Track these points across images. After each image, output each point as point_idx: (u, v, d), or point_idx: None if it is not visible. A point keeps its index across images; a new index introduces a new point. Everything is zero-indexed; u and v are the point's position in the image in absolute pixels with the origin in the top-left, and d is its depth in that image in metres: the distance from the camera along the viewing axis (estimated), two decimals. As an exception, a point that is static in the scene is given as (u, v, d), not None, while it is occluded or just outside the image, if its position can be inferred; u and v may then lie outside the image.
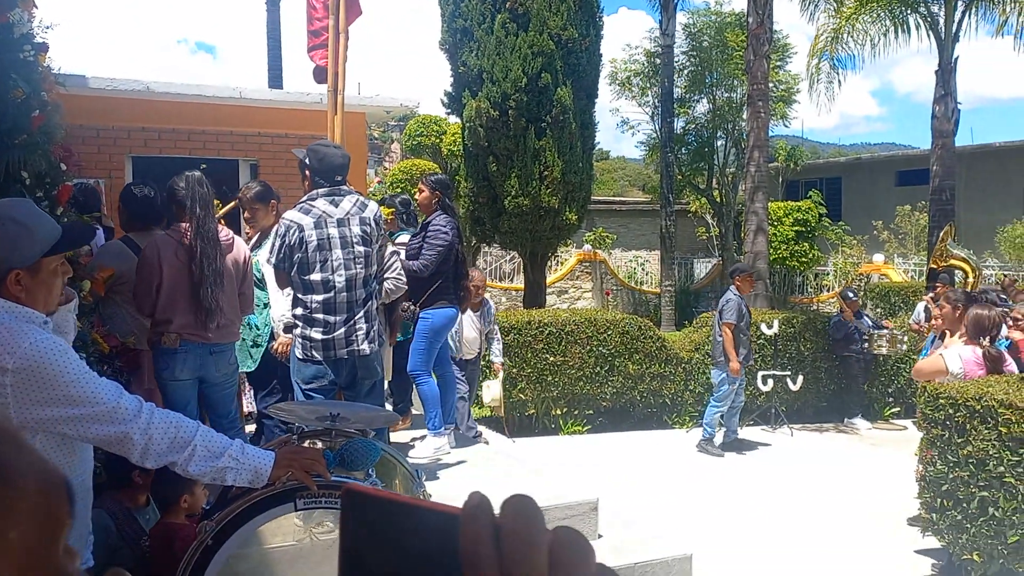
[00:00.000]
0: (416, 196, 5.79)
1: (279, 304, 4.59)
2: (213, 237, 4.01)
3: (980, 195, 21.98)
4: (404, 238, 5.93)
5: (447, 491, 4.79)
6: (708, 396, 9.13)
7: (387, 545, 0.52)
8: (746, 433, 8.94)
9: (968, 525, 4.73)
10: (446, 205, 5.44)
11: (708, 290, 21.39)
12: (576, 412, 9.07)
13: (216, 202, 5.83)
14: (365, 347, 3.97)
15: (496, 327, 7.02)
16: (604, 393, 9.05)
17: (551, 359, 8.83)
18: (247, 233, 5.06)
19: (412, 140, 19.17)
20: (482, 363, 7.12)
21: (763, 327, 9.41)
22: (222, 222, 4.63)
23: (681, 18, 20.59)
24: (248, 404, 5.55)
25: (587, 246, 21.53)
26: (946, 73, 11.45)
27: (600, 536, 4.73)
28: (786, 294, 20.22)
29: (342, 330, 3.91)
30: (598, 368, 8.99)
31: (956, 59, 11.51)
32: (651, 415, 9.37)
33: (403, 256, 5.49)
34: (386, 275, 4.56)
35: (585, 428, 9.02)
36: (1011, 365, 5.49)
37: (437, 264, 5.29)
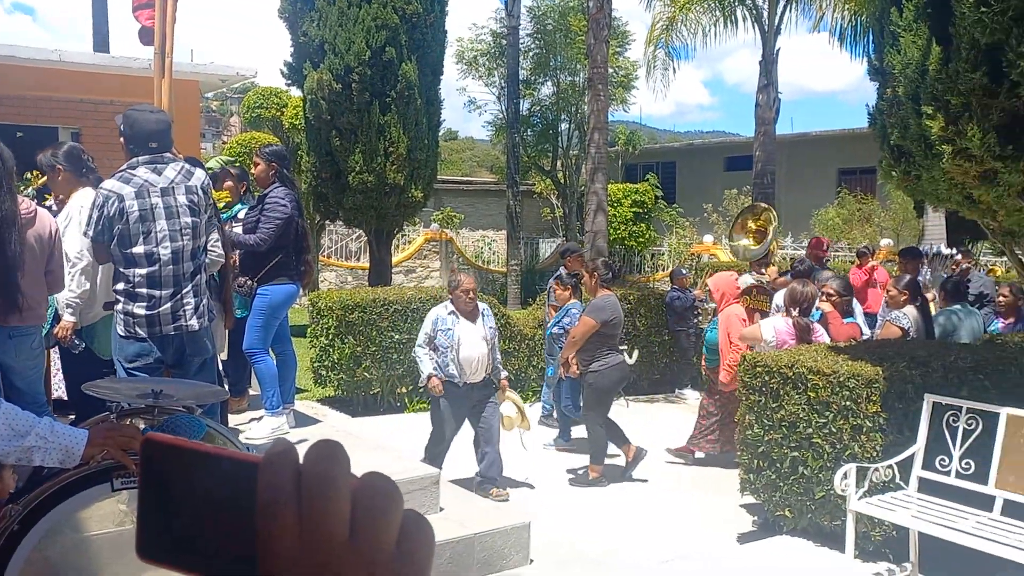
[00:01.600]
0: (252, 170, 5.59)
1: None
2: (9, 214, 3.66)
3: (798, 180, 23.64)
4: (244, 212, 5.72)
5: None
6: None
7: (185, 496, 0.50)
8: (585, 406, 9.24)
9: (781, 483, 5.12)
10: (284, 177, 5.28)
11: (553, 269, 21.84)
12: (422, 390, 9.05)
13: (34, 172, 5.40)
14: (194, 322, 3.80)
15: (496, 332, 6.06)
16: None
17: (397, 337, 8.78)
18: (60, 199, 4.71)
19: (251, 112, 18.44)
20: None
21: (602, 303, 9.78)
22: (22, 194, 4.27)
23: (526, 0, 20.84)
24: (56, 388, 5.16)
25: (435, 225, 21.51)
26: (769, 64, 12.21)
27: (442, 509, 4.78)
28: (625, 273, 21.03)
29: (168, 305, 3.72)
30: (443, 345, 9.02)
31: (778, 51, 12.30)
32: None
33: (239, 230, 5.31)
34: None
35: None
36: (821, 335, 5.97)
37: (276, 238, 5.14)
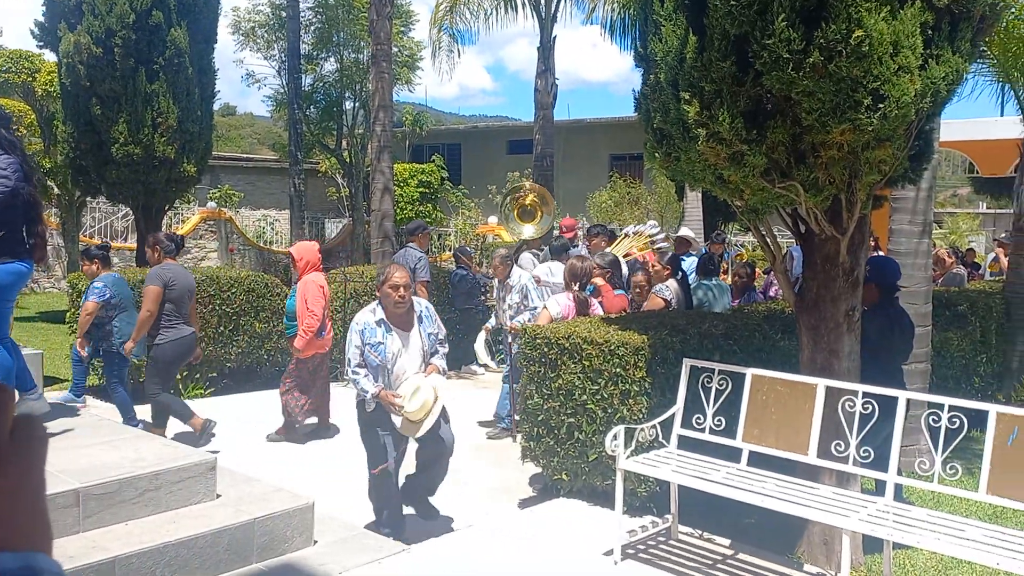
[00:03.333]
0: None
1: None
2: None
3: (574, 164, 24.78)
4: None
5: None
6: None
7: None
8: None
9: (559, 449, 5.37)
10: (3, 141, 4.72)
11: (339, 249, 21.53)
12: (198, 375, 8.63)
13: None
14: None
15: (436, 339, 4.90)
16: (229, 354, 8.72)
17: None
18: None
19: (-2, 77, 16.53)
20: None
21: (388, 282, 9.79)
22: None
23: (307, -28, 20.19)
24: None
25: (212, 203, 20.45)
26: (546, 50, 12.66)
27: (219, 495, 4.58)
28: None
29: None
30: (222, 328, 8.63)
31: (555, 38, 12.78)
32: (280, 374, 9.24)
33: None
34: None
35: (208, 391, 8.64)
36: (596, 308, 6.31)
37: None
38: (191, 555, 4.06)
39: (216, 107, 11.90)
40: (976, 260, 15.86)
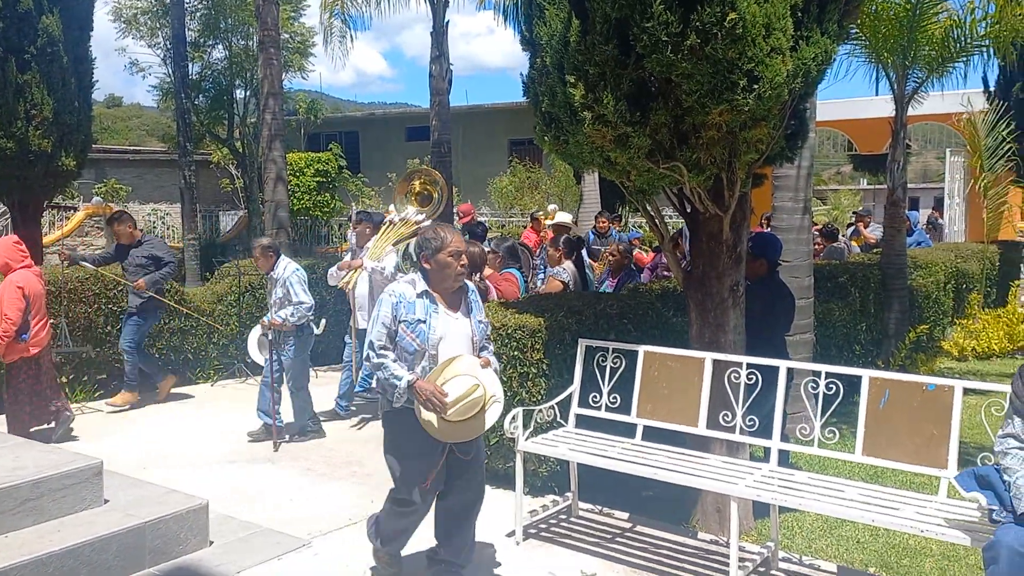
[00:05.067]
0: None
1: None
2: None
3: (474, 150, 24.79)
4: None
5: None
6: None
7: None
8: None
9: (460, 434, 5.38)
10: None
11: (236, 242, 20.93)
12: (85, 378, 8.27)
13: None
14: None
15: (487, 327, 4.03)
16: (117, 354, 8.37)
17: (51, 321, 7.89)
18: None
19: None
20: None
21: (285, 274, 9.57)
22: None
23: (189, -44, 19.44)
24: None
25: (97, 199, 19.56)
26: (440, 35, 12.56)
27: (107, 501, 4.42)
28: (312, 244, 20.68)
29: None
30: (109, 328, 8.29)
31: (447, 23, 12.68)
32: (173, 372, 8.95)
33: None
34: None
35: (97, 393, 8.29)
36: (493, 294, 6.34)
37: None
38: (78, 564, 3.90)
39: (100, 98, 11.45)
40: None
